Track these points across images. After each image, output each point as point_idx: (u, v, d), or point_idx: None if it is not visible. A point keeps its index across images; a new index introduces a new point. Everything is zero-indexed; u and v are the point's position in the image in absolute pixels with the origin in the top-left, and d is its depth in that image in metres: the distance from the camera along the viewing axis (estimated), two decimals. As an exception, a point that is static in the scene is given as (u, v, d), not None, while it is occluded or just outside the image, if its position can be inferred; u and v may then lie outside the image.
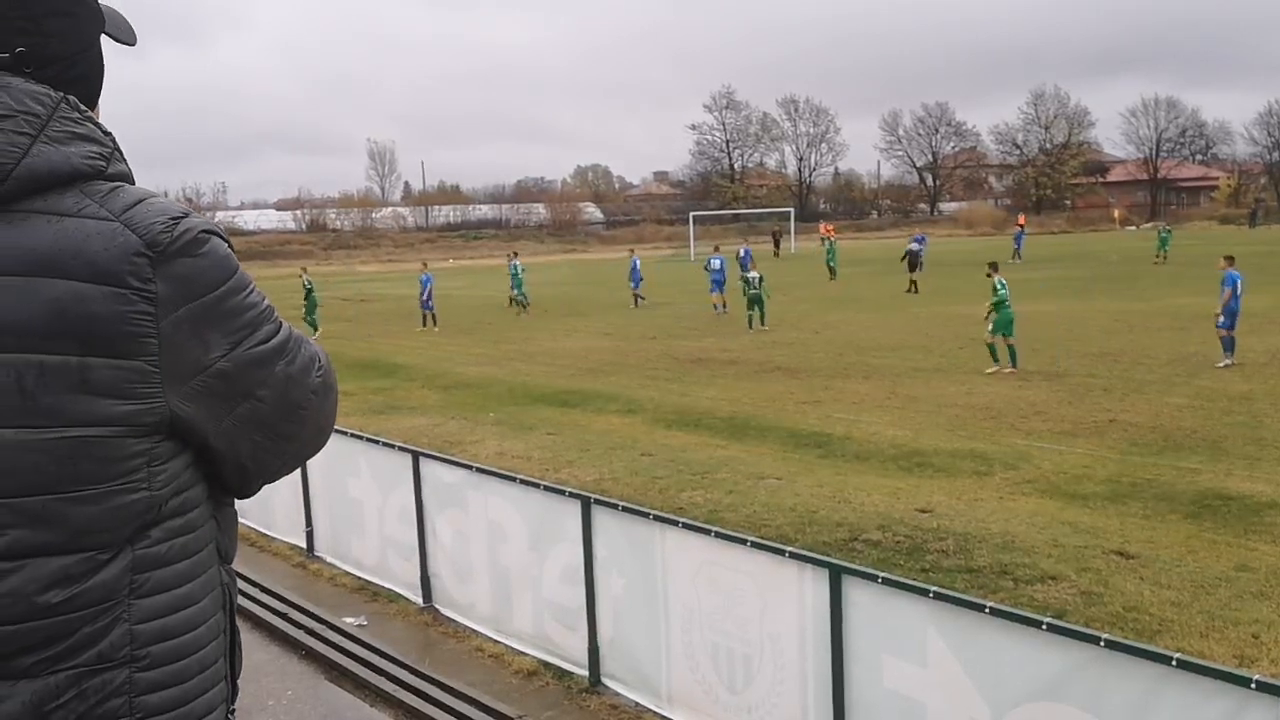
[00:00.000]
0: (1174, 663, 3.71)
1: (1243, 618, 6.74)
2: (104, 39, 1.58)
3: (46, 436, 1.33)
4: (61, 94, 1.44)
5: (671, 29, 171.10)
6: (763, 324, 24.38)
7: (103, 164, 1.44)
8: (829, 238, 45.32)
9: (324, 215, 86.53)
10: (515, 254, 35.34)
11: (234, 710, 1.61)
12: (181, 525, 1.45)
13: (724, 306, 28.53)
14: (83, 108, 1.46)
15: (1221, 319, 17.09)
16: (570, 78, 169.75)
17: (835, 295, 32.94)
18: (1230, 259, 18.00)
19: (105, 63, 1.59)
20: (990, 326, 17.42)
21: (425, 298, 28.03)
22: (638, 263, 32.98)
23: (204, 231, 1.43)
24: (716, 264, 29.88)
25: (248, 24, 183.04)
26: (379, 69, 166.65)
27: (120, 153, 1.49)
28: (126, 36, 1.62)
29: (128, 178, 1.48)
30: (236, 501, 1.61)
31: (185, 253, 1.39)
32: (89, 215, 1.38)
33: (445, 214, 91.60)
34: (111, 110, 1.61)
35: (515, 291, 31.75)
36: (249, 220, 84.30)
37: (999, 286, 17.66)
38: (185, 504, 1.45)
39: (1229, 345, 16.86)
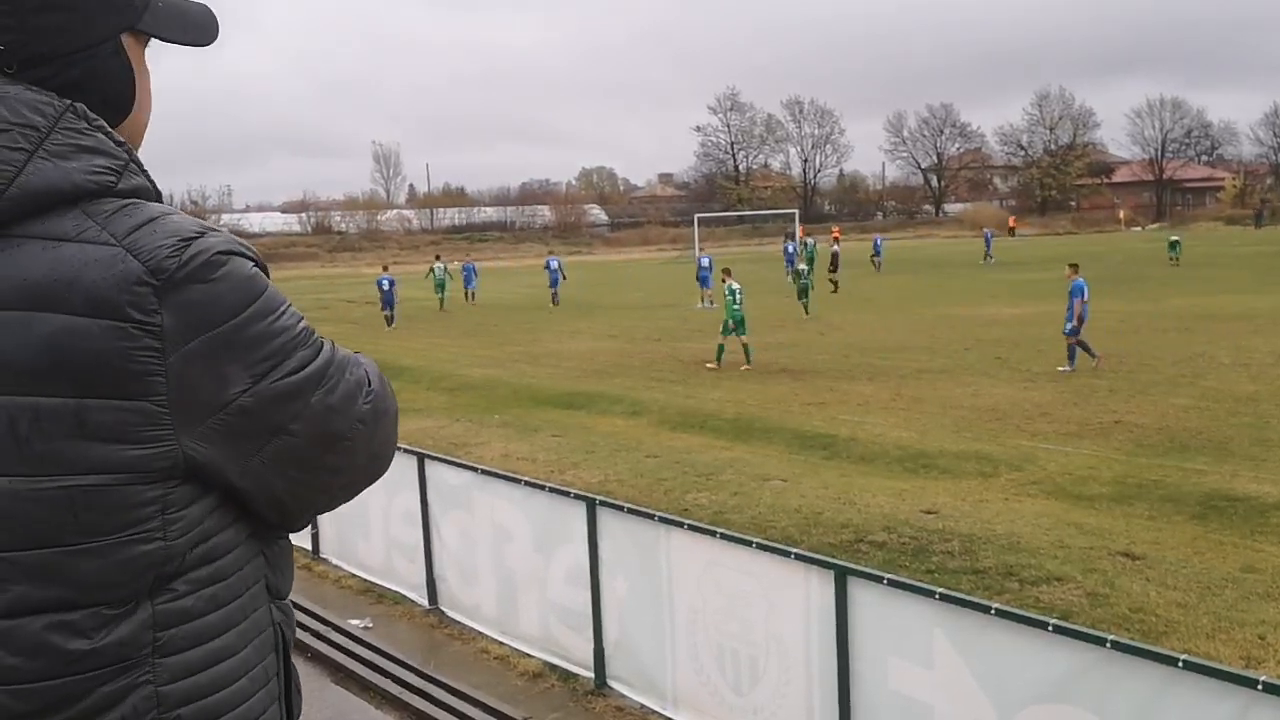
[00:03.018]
0: (1180, 664, 3.70)
1: (1249, 619, 6.72)
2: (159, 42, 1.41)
3: (43, 486, 1.21)
4: (67, 102, 1.29)
5: (676, 30, 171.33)
6: (804, 311, 26.67)
7: (112, 179, 1.29)
8: (810, 240, 45.36)
9: (329, 218, 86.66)
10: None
11: None
12: (210, 575, 1.31)
13: (710, 302, 30.22)
14: (92, 117, 1.31)
15: (1070, 326, 17.31)
16: (575, 79, 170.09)
17: (838, 296, 32.91)
18: (1075, 266, 18.17)
19: (142, 65, 1.41)
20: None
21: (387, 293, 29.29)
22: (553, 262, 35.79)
23: (221, 252, 1.28)
24: (705, 262, 32.51)
25: (253, 27, 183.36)
26: (384, 72, 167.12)
27: (137, 164, 1.35)
28: (191, 35, 1.44)
29: (145, 192, 1.33)
30: None
31: (196, 278, 1.24)
32: (89, 239, 1.23)
33: (450, 216, 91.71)
34: None
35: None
36: (254, 223, 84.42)
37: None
38: (213, 551, 1.32)
39: (1088, 348, 17.10)
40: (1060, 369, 16.93)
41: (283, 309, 1.33)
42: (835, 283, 34.72)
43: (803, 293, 27.19)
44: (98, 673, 1.24)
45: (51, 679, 1.23)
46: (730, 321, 19.09)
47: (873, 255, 46.68)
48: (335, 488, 1.45)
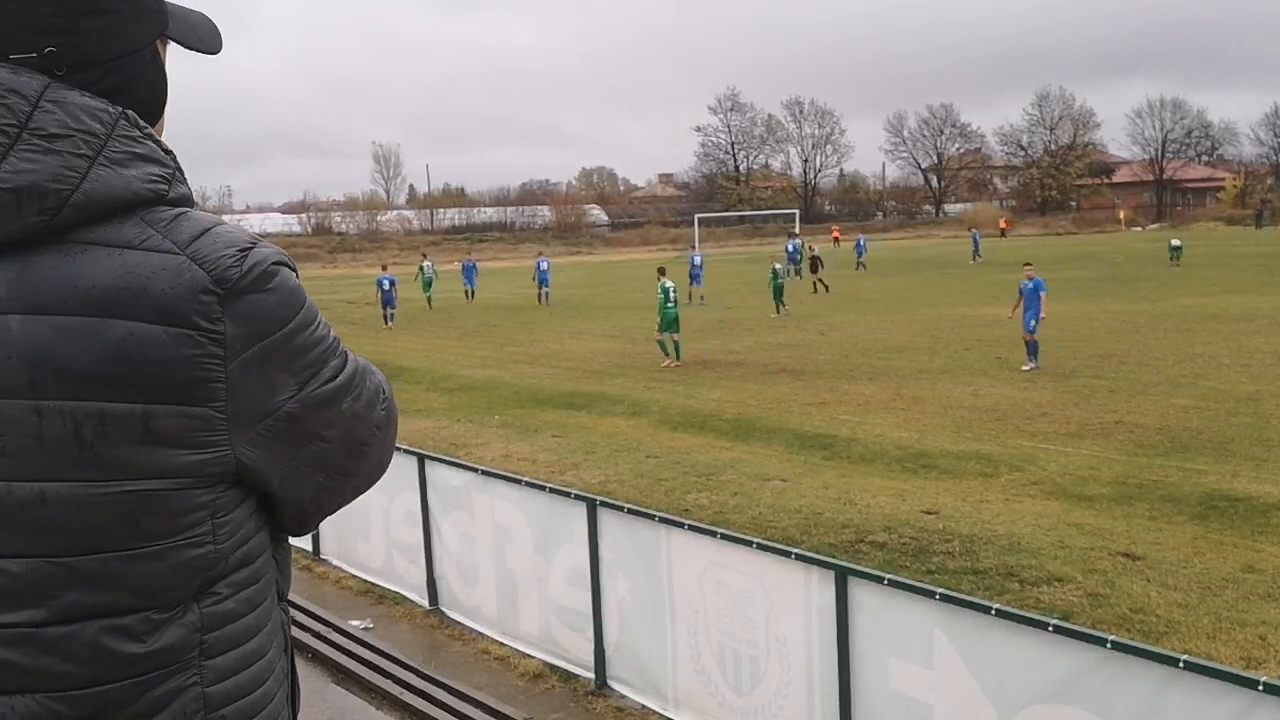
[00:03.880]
0: (1181, 664, 3.70)
1: (1250, 619, 6.72)
2: (173, 45, 1.44)
3: (106, 491, 1.23)
4: (120, 109, 1.30)
5: (676, 31, 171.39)
6: (784, 309, 27.53)
7: (165, 187, 1.31)
8: (797, 242, 45.54)
9: (329, 218, 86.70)
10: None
11: None
12: (247, 577, 1.36)
13: (701, 299, 31.87)
14: (142, 124, 1.33)
15: (1032, 323, 17.50)
16: (575, 80, 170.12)
17: (839, 296, 32.92)
18: (1029, 265, 18.60)
19: (166, 71, 1.43)
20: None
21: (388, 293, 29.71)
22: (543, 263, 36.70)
23: (275, 263, 1.31)
24: (698, 260, 33.99)
25: (254, 28, 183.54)
26: (384, 72, 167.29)
27: (181, 173, 1.37)
28: (204, 43, 1.47)
29: (189, 200, 1.36)
30: None
31: (255, 288, 1.28)
32: (152, 247, 1.26)
33: (450, 217, 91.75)
34: None
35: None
36: (254, 224, 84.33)
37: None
38: (250, 554, 1.36)
39: (1034, 350, 17.32)
40: (1024, 368, 17.11)
41: (320, 319, 1.38)
42: (821, 283, 35.01)
43: (778, 292, 28.01)
44: (148, 676, 1.26)
45: (103, 684, 1.25)
46: (661, 319, 19.56)
47: (857, 256, 46.93)
48: (348, 491, 1.49)
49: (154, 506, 1.25)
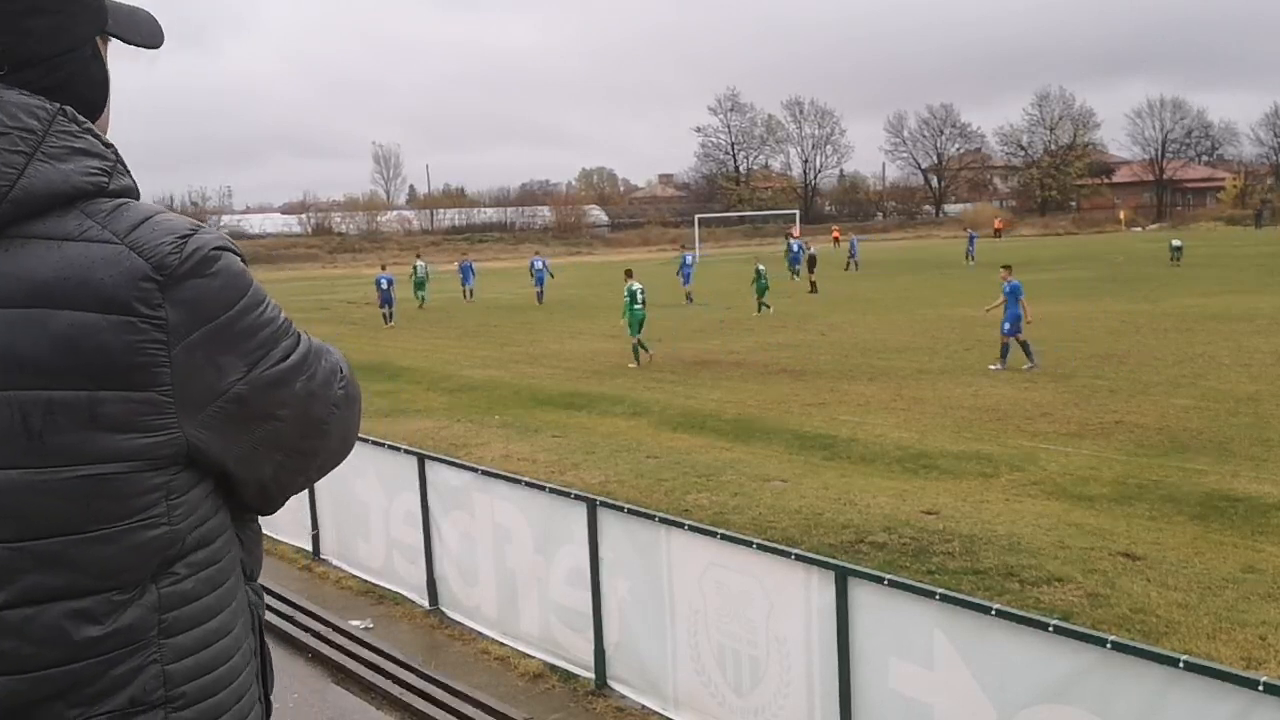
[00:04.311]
0: (1181, 664, 3.70)
1: (1250, 619, 6.72)
2: (116, 42, 1.47)
3: (59, 477, 1.26)
4: (58, 105, 1.33)
5: (676, 31, 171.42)
6: (766, 309, 27.90)
7: (104, 180, 1.35)
8: (797, 239, 45.70)
9: (329, 219, 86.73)
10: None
11: None
12: (206, 557, 1.39)
13: (689, 298, 32.72)
14: (81, 119, 1.36)
15: (1007, 326, 17.63)
16: (575, 81, 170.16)
17: (840, 296, 32.93)
18: (1008, 268, 18.73)
19: (108, 67, 1.46)
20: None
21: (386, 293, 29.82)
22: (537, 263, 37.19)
23: (215, 249, 1.34)
24: (689, 259, 34.78)
25: (254, 28, 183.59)
26: (384, 72, 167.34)
27: (123, 165, 1.40)
28: (145, 38, 1.50)
29: (132, 192, 1.39)
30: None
31: (195, 274, 1.31)
32: (92, 238, 1.29)
33: (450, 217, 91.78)
34: (116, 112, 1.51)
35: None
36: (254, 224, 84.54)
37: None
38: (208, 534, 1.39)
39: (1024, 349, 17.41)
40: (992, 367, 17.23)
41: (267, 302, 1.40)
42: (810, 283, 35.33)
43: (761, 292, 28.24)
44: (108, 656, 1.30)
45: (64, 665, 1.28)
46: (625, 319, 20.00)
47: (849, 256, 47.14)
48: (312, 470, 1.52)
49: (107, 490, 1.28)
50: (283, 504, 1.55)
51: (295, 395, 1.41)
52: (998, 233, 74.94)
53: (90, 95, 1.43)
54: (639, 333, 19.69)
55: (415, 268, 36.56)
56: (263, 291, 1.40)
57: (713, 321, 27.12)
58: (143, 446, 1.29)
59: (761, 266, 29.25)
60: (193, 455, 1.34)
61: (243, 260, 1.40)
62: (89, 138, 1.36)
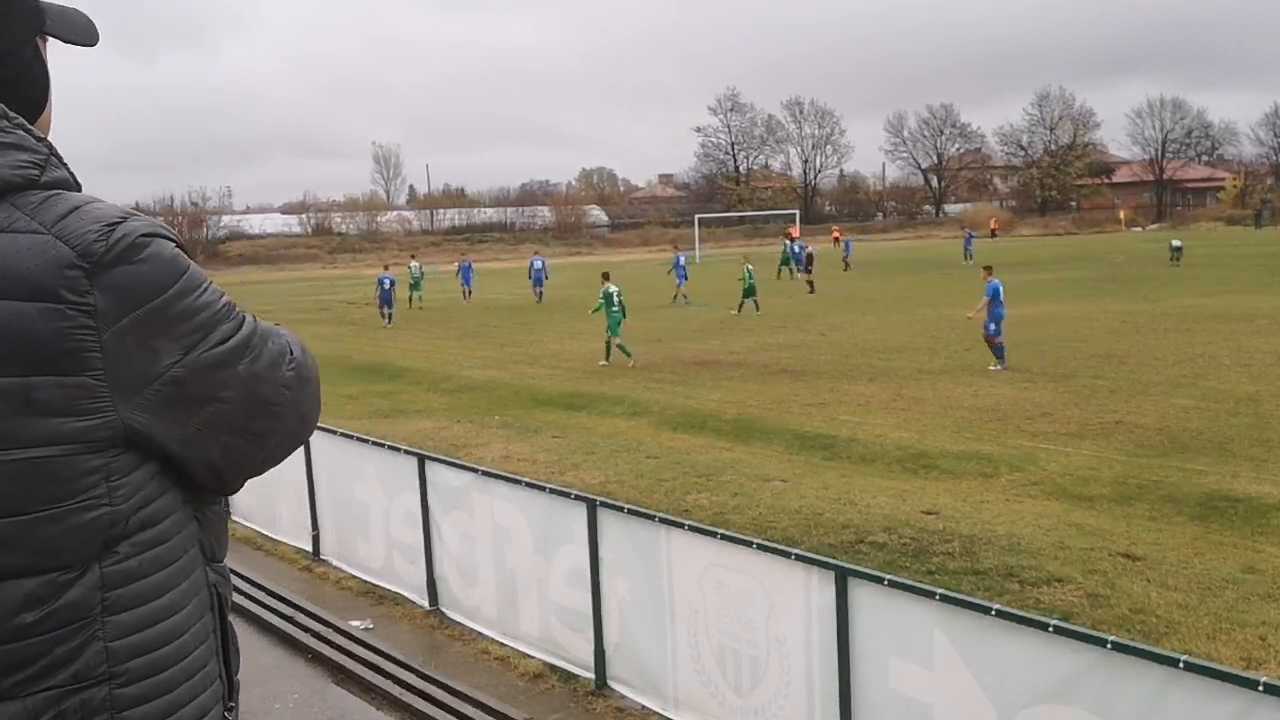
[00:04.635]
0: (1181, 665, 3.70)
1: (1250, 619, 6.72)
2: (55, 42, 1.51)
3: None
4: None
5: (676, 31, 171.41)
6: (749, 309, 28.16)
7: (35, 172, 1.38)
8: (794, 239, 45.84)
9: (329, 219, 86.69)
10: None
11: (232, 706, 1.59)
12: (152, 537, 1.41)
13: (685, 297, 32.98)
14: (12, 115, 1.39)
15: (992, 327, 17.77)
16: (575, 81, 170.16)
17: (840, 296, 32.93)
18: (989, 269, 19.01)
19: (48, 66, 1.51)
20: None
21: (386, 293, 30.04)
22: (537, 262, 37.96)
23: (144, 235, 1.37)
24: (682, 260, 35.19)
25: (254, 28, 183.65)
26: (384, 73, 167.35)
27: (58, 158, 1.44)
28: (83, 37, 1.54)
29: (67, 184, 1.42)
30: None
31: (123, 260, 1.34)
32: (19, 229, 1.32)
33: (450, 217, 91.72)
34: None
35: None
36: (254, 224, 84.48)
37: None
38: (154, 515, 1.41)
39: (1000, 352, 17.54)
40: (991, 368, 17.27)
41: (205, 286, 1.43)
42: (808, 283, 35.45)
43: (749, 292, 28.40)
44: (53, 634, 1.33)
45: (8, 643, 1.31)
46: (599, 315, 20.35)
47: (843, 255, 47.37)
48: (267, 450, 1.54)
49: (45, 473, 1.31)
50: (241, 484, 1.58)
51: (238, 377, 1.43)
52: (993, 233, 74.94)
53: (33, 93, 1.48)
54: (618, 334, 19.94)
55: (411, 268, 36.78)
56: (200, 276, 1.43)
57: (713, 321, 27.13)
58: (78, 430, 1.32)
59: (750, 267, 29.27)
60: (132, 438, 1.37)
61: (180, 247, 1.43)
62: (20, 133, 1.39)
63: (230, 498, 1.66)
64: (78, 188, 1.44)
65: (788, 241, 46.88)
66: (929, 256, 55.81)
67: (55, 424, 1.31)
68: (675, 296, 33.03)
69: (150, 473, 1.41)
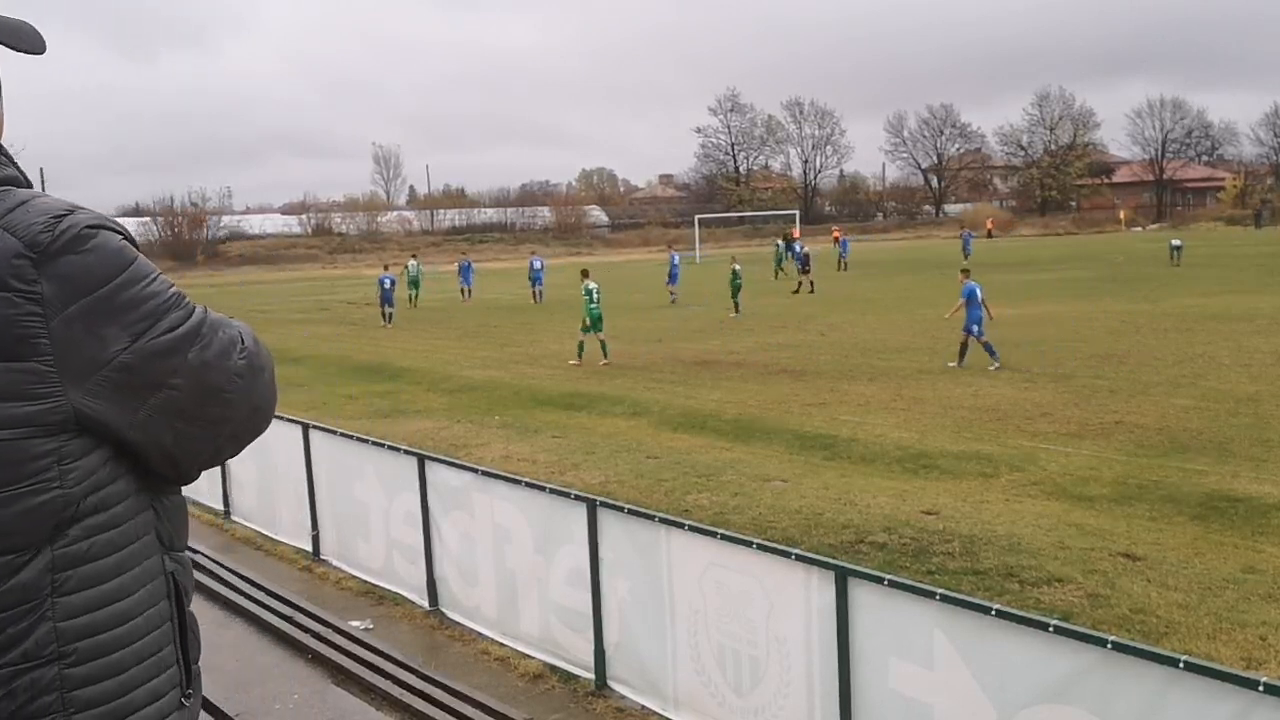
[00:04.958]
0: (1181, 665, 3.70)
1: (1250, 620, 6.72)
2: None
3: None
4: None
5: (676, 31, 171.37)
6: (737, 311, 28.18)
7: None
8: (794, 240, 45.94)
9: (329, 219, 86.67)
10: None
11: (190, 694, 1.60)
12: (104, 521, 1.44)
13: (673, 296, 33.44)
14: None
15: (976, 329, 18.00)
16: (575, 81, 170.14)
17: (840, 296, 32.94)
18: (966, 271, 19.43)
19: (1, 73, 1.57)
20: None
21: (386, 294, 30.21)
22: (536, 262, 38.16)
23: (89, 227, 1.42)
24: (676, 260, 35.19)
25: (254, 28, 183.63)
26: (384, 73, 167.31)
27: (7, 157, 1.49)
28: (29, 45, 1.60)
29: (17, 181, 1.47)
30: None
31: (69, 250, 1.38)
32: None
33: (450, 218, 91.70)
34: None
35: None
36: (254, 224, 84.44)
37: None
38: (106, 500, 1.45)
39: (991, 350, 17.71)
40: (991, 368, 17.32)
41: (153, 276, 1.48)
42: (809, 283, 35.31)
43: (736, 292, 28.50)
44: (4, 614, 1.37)
45: None
46: (587, 319, 20.24)
47: (839, 255, 47.42)
48: (221, 439, 1.58)
49: None
50: (198, 474, 1.60)
51: (188, 364, 1.47)
52: (989, 233, 74.95)
53: None
54: (599, 330, 20.18)
55: (409, 267, 36.89)
56: (148, 267, 1.47)
57: (713, 321, 27.13)
58: (29, 414, 1.36)
59: (738, 267, 29.33)
60: (83, 423, 1.40)
61: (127, 239, 1.48)
62: None
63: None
64: (28, 185, 1.49)
65: (780, 242, 46.98)
66: (929, 256, 55.79)
67: (6, 408, 1.35)
68: (672, 297, 33.43)
69: (102, 458, 1.44)
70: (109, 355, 1.40)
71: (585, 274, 21.86)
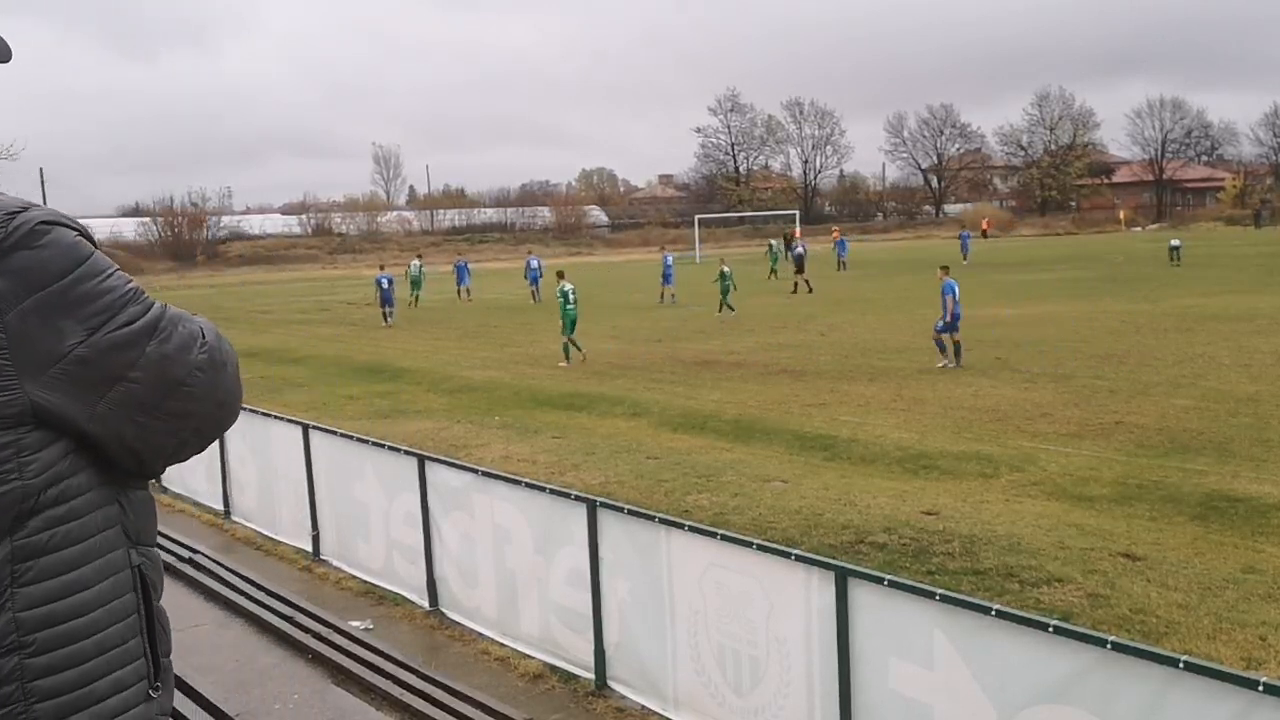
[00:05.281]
0: (1181, 665, 3.70)
1: (1250, 620, 6.72)
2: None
3: None
4: None
5: (676, 32, 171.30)
6: (727, 311, 28.06)
7: None
8: (794, 240, 46.01)
9: (329, 219, 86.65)
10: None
11: (158, 685, 1.62)
12: (64, 513, 1.46)
13: (672, 297, 33.50)
14: None
15: (940, 325, 18.24)
16: (575, 81, 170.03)
17: (840, 296, 32.93)
18: (945, 269, 19.58)
19: None
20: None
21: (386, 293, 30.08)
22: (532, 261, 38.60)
23: (44, 223, 1.44)
24: (669, 260, 35.35)
25: (254, 28, 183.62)
26: (384, 73, 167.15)
27: None
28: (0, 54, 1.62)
29: None
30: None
31: (23, 245, 1.40)
32: None
33: (450, 218, 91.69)
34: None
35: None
36: (255, 224, 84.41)
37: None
38: (66, 492, 1.46)
39: (943, 347, 18.01)
40: (938, 365, 17.64)
41: (109, 271, 1.49)
42: (804, 283, 35.27)
43: (725, 293, 28.44)
44: None
45: None
46: (563, 321, 20.50)
47: (838, 256, 47.43)
48: (185, 433, 1.59)
49: None
50: (162, 468, 1.62)
51: (147, 358, 1.48)
52: (984, 233, 74.96)
53: None
54: (571, 332, 20.33)
55: (411, 266, 36.90)
56: (105, 262, 1.49)
57: (713, 321, 27.13)
58: None
59: (726, 269, 29.38)
60: (41, 415, 1.42)
61: (82, 234, 1.49)
62: None
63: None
64: None
65: (773, 242, 46.98)
66: (929, 257, 55.71)
67: None
68: (669, 297, 33.53)
69: (62, 450, 1.46)
70: (65, 349, 1.42)
71: (561, 275, 22.01)
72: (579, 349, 20.28)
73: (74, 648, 1.47)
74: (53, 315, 1.41)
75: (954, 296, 18.07)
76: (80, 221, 1.53)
